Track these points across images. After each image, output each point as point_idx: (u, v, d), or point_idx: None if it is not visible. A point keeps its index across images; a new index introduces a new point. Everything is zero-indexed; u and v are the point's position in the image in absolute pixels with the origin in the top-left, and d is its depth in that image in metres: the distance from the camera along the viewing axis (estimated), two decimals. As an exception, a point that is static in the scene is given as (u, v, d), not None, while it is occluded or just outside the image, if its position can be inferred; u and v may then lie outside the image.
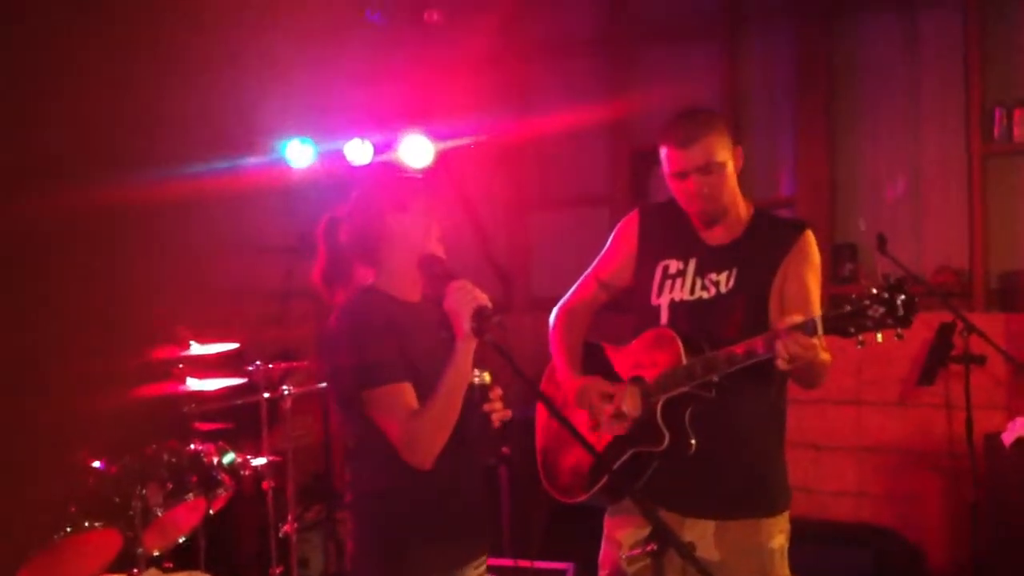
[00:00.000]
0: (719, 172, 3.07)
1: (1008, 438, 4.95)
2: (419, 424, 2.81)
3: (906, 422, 5.71)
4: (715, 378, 2.96)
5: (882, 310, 2.64)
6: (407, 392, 2.85)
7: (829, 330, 2.70)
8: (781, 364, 2.74)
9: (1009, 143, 5.62)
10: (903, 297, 2.63)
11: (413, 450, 2.82)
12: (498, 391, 2.94)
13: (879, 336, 2.66)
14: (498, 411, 2.92)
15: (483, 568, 3.10)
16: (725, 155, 3.07)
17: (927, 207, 5.91)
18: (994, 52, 5.69)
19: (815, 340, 2.71)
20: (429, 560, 2.92)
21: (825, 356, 2.89)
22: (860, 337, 2.69)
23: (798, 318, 2.74)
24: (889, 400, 5.74)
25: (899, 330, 2.65)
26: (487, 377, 2.90)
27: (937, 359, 5.34)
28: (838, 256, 5.99)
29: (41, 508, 4.01)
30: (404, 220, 2.98)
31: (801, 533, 3.21)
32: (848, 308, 2.68)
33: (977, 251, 5.68)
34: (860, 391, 5.78)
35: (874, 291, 2.66)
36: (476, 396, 2.89)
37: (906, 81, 5.93)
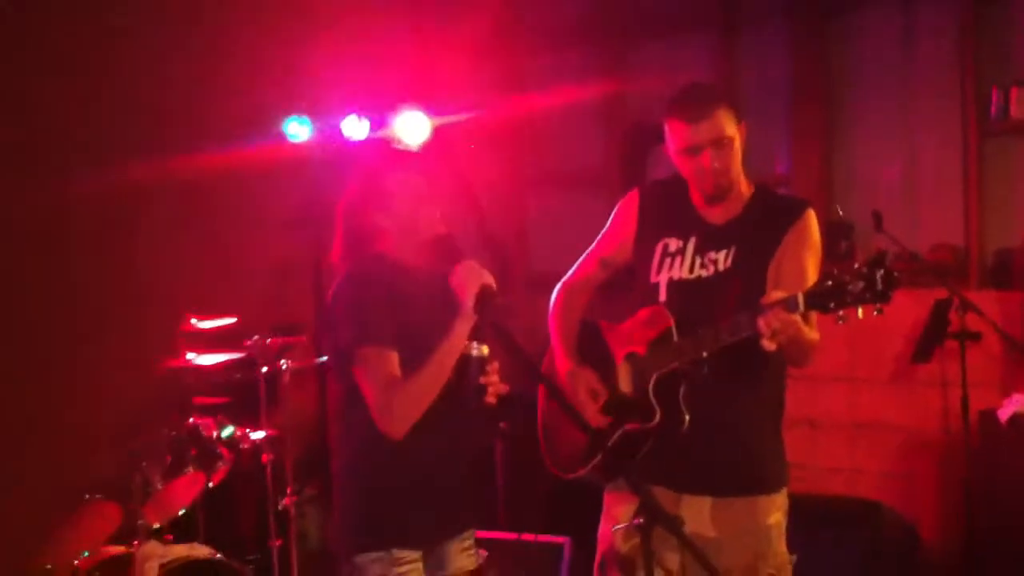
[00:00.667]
0: (730, 146, 3.06)
1: (1003, 415, 4.97)
2: (397, 394, 2.83)
3: (901, 399, 5.73)
4: (704, 355, 2.96)
5: (861, 285, 2.61)
6: (391, 360, 2.87)
7: (811, 306, 2.69)
8: (765, 342, 2.74)
9: (1005, 122, 5.63)
10: (882, 272, 2.60)
11: (386, 418, 2.84)
12: (495, 365, 2.94)
13: (859, 312, 2.64)
14: (495, 384, 2.92)
15: (469, 543, 3.11)
16: (733, 129, 3.07)
17: (924, 185, 5.93)
18: (990, 31, 5.70)
19: (796, 316, 2.70)
20: (411, 532, 2.94)
21: (813, 335, 2.89)
22: (840, 312, 2.67)
23: (781, 294, 2.73)
24: (883, 377, 5.76)
25: (878, 305, 2.62)
26: (485, 350, 2.90)
27: (933, 336, 5.36)
28: (834, 234, 6.01)
29: (44, 483, 4.05)
30: (404, 192, 3.00)
31: (795, 510, 3.22)
32: (829, 283, 2.67)
33: (973, 229, 5.70)
34: (854, 368, 5.81)
35: (856, 266, 2.65)
36: (473, 368, 2.89)
37: (902, 60, 5.94)
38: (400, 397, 2.83)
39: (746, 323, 2.80)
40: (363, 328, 2.86)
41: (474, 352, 2.89)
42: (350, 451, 3.03)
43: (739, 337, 2.84)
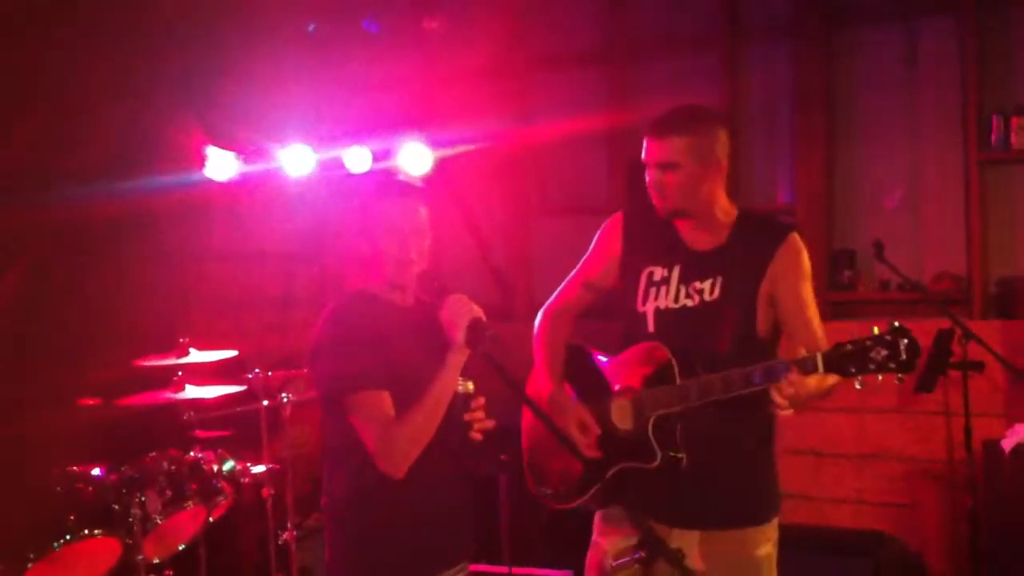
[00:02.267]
0: (676, 173, 3.07)
1: (1007, 445, 4.95)
2: (396, 432, 2.83)
3: (905, 429, 5.71)
4: (709, 400, 2.96)
5: (885, 352, 2.67)
6: (384, 400, 2.87)
7: (830, 368, 2.72)
8: (780, 408, 2.77)
9: (1006, 150, 5.62)
10: (906, 341, 2.65)
11: (387, 458, 2.83)
12: (481, 401, 2.94)
13: (879, 377, 2.69)
14: (479, 421, 2.92)
15: (462, 575, 3.10)
16: (690, 159, 3.06)
17: (925, 214, 5.92)
18: (991, 60, 5.70)
19: (811, 379, 2.74)
20: (402, 566, 2.94)
21: (831, 379, 2.89)
22: (860, 378, 2.71)
23: (801, 351, 2.75)
24: (889, 407, 5.74)
25: (900, 375, 2.68)
26: (470, 386, 2.91)
27: (936, 366, 5.34)
28: (836, 263, 6.00)
29: (40, 517, 4.02)
30: (390, 225, 2.99)
31: (801, 540, 3.21)
32: (849, 347, 2.70)
33: (975, 258, 5.69)
34: (860, 398, 5.78)
35: (876, 331, 2.69)
36: (458, 405, 2.89)
37: (904, 89, 5.95)
38: (398, 436, 2.83)
39: (761, 377, 2.82)
40: (352, 375, 2.86)
41: (459, 388, 2.89)
42: (340, 488, 3.02)
43: (750, 390, 2.86)
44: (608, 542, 3.20)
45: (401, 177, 5.69)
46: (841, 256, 6.01)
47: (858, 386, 2.73)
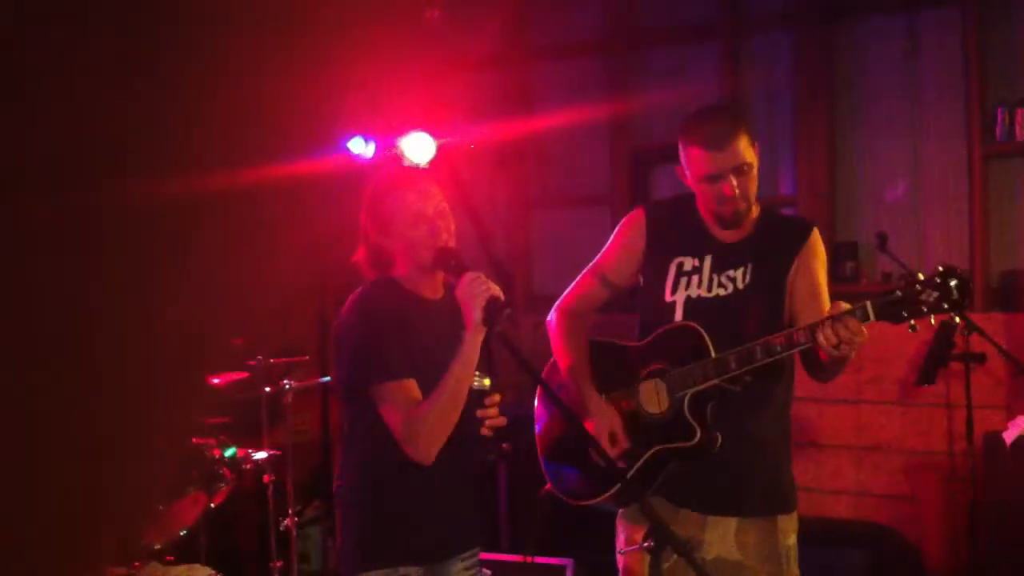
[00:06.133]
0: (749, 172, 3.07)
1: (1009, 437, 4.95)
2: (421, 415, 2.81)
3: (906, 421, 5.71)
4: (746, 369, 2.96)
5: (936, 295, 2.69)
6: (411, 387, 2.85)
7: (881, 316, 2.75)
8: (827, 351, 2.78)
9: (1010, 143, 5.61)
10: (955, 281, 2.69)
11: (415, 443, 2.82)
12: (496, 398, 2.94)
13: (932, 320, 2.73)
14: (492, 418, 2.91)
15: (472, 561, 3.09)
16: (752, 154, 3.08)
17: (928, 206, 5.91)
18: (995, 52, 5.69)
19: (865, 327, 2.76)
20: (414, 549, 2.93)
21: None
22: (912, 322, 2.73)
23: (846, 305, 2.78)
24: (889, 399, 5.74)
25: (954, 314, 2.71)
26: (487, 382, 2.90)
27: (937, 358, 5.34)
28: (839, 255, 6.00)
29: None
30: (403, 214, 2.98)
31: (800, 532, 3.22)
32: (899, 294, 2.73)
33: (977, 251, 5.68)
34: (860, 390, 5.79)
35: (921, 276, 2.72)
36: (472, 400, 2.88)
37: (907, 81, 5.94)
38: (425, 418, 2.82)
39: (805, 335, 2.83)
40: (377, 367, 2.85)
41: (475, 384, 2.88)
42: (352, 474, 3.02)
43: (793, 350, 2.89)
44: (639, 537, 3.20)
45: (402, 164, 5.68)
46: (843, 248, 6.00)
47: (911, 330, 2.74)
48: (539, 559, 4.69)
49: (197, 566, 4.42)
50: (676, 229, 3.26)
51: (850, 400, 5.79)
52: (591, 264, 3.43)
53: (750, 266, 3.13)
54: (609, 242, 3.40)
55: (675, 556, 2.67)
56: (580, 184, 6.96)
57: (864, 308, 2.75)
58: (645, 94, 6.61)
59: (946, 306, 2.69)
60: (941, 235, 5.84)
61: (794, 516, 3.17)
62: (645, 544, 2.50)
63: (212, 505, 4.63)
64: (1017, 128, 5.56)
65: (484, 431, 2.90)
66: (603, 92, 6.77)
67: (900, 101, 5.95)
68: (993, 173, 5.71)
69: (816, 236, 3.18)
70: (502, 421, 2.93)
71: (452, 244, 2.98)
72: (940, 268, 2.72)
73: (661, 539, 2.48)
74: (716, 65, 6.43)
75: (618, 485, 3.16)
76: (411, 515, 2.94)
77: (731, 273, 3.14)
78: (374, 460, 2.91)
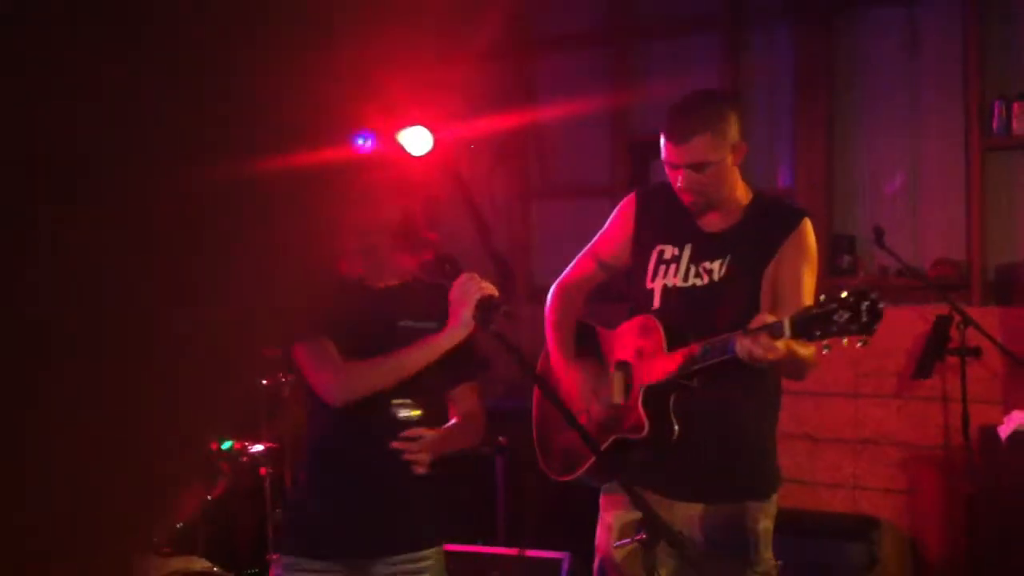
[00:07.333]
0: (709, 170, 3.06)
1: (1004, 431, 4.96)
2: (344, 366, 2.90)
3: (902, 415, 5.72)
4: (692, 370, 2.96)
5: (847, 316, 2.61)
6: (327, 345, 2.93)
7: (797, 333, 2.68)
8: (745, 362, 2.77)
9: (1008, 137, 5.60)
10: (867, 303, 2.60)
11: (324, 382, 2.92)
12: (418, 431, 2.97)
13: (844, 341, 2.64)
14: (410, 452, 2.94)
15: (407, 567, 3.05)
16: (719, 153, 3.05)
17: (926, 200, 5.91)
18: (993, 46, 5.68)
19: (780, 343, 2.70)
20: (321, 544, 2.98)
21: (805, 351, 2.86)
22: (825, 342, 2.67)
23: (769, 318, 2.74)
24: (886, 392, 5.75)
25: (863, 337, 2.61)
26: (415, 413, 2.94)
27: (934, 352, 5.34)
28: (836, 248, 6.00)
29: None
30: (375, 207, 3.02)
31: (797, 525, 3.23)
32: (814, 311, 2.67)
33: (975, 244, 5.68)
34: (857, 384, 5.79)
35: (843, 295, 2.64)
36: (396, 427, 2.93)
37: (905, 74, 5.93)
38: (348, 369, 2.90)
39: (730, 346, 2.82)
40: (295, 330, 2.89)
41: (401, 413, 2.92)
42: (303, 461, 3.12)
43: (726, 357, 2.85)
44: (612, 516, 3.24)
45: (395, 157, 5.66)
46: (840, 241, 6.00)
47: (824, 351, 2.70)
48: (536, 552, 4.70)
49: (194, 558, 4.42)
50: (662, 216, 3.28)
51: (847, 394, 5.79)
52: (588, 245, 3.48)
53: (729, 258, 3.12)
54: (605, 225, 3.45)
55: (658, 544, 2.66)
56: (581, 175, 6.96)
57: (781, 324, 2.70)
58: (646, 85, 6.61)
59: (854, 328, 2.60)
60: (938, 228, 5.83)
61: (768, 503, 3.16)
62: (638, 537, 2.51)
63: (209, 498, 4.63)
64: (1015, 122, 5.55)
65: (415, 467, 2.95)
66: (604, 83, 6.77)
67: (899, 94, 5.94)
68: (990, 167, 5.70)
69: (805, 227, 3.13)
70: (425, 460, 2.95)
71: (439, 249, 3.02)
72: (854, 289, 2.64)
73: (654, 532, 2.48)
74: (717, 56, 6.42)
75: (592, 459, 3.19)
76: (325, 510, 2.99)
77: (708, 264, 3.14)
78: (312, 448, 3.04)
